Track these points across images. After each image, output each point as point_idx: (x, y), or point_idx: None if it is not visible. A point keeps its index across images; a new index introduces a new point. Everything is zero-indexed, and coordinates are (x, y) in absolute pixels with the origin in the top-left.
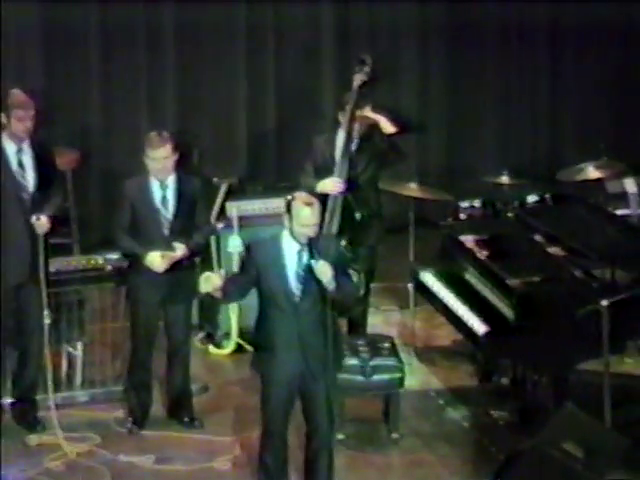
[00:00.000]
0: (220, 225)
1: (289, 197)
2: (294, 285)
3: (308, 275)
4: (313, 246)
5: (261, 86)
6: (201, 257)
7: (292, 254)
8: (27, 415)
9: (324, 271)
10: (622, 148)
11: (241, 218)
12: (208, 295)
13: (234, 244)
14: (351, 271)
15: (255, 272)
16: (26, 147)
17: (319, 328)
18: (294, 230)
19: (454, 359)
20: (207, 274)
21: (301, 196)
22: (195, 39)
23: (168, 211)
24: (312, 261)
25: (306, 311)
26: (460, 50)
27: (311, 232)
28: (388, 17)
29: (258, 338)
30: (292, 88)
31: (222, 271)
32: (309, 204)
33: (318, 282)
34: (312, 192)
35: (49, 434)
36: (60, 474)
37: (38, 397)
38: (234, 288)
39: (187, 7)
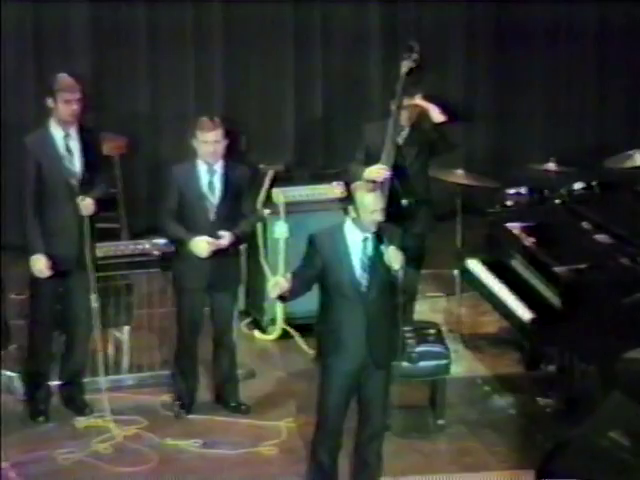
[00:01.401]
0: (266, 211)
1: (352, 186)
2: (360, 274)
3: (374, 264)
4: (381, 233)
5: (308, 73)
6: (247, 244)
7: (356, 243)
8: (75, 398)
9: (395, 256)
10: None
11: (287, 205)
12: (278, 298)
13: (280, 230)
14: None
15: (320, 264)
16: (73, 132)
17: (385, 317)
18: (361, 219)
19: (500, 346)
20: (275, 279)
21: (361, 184)
22: (243, 27)
23: (214, 196)
24: (382, 247)
25: (373, 300)
26: (508, 40)
27: (379, 217)
28: (436, 13)
29: (323, 329)
30: (339, 75)
31: (288, 274)
32: (371, 190)
33: (385, 270)
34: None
35: (96, 417)
36: (108, 457)
37: (86, 380)
38: (300, 284)
39: None
